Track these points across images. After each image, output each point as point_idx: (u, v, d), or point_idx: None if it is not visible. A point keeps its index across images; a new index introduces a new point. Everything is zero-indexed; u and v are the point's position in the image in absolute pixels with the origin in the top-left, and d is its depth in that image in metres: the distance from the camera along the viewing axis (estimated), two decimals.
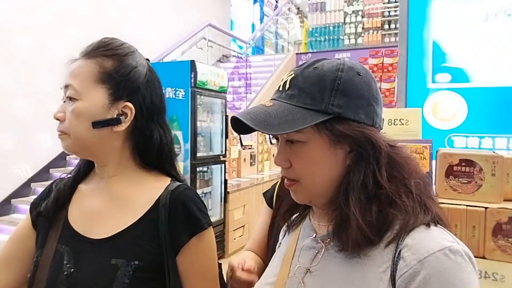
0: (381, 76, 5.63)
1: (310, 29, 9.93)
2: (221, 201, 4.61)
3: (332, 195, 0.68)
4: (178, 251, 0.84)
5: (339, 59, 0.70)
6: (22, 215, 4.69)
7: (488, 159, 1.24)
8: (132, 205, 0.85)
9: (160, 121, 0.91)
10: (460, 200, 1.24)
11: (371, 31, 9.23)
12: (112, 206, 0.86)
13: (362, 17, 9.38)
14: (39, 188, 4.98)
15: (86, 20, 5.94)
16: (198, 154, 4.17)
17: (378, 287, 0.59)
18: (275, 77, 8.31)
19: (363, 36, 9.34)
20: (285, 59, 9.07)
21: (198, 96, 4.15)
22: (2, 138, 4.80)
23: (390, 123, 1.54)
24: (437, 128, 2.07)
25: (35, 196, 0.99)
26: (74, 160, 5.43)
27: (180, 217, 0.84)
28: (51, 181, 0.98)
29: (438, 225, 0.63)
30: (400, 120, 1.56)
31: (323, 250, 0.69)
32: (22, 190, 4.98)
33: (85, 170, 0.94)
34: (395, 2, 8.72)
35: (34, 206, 0.94)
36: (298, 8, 12.20)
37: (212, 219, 4.66)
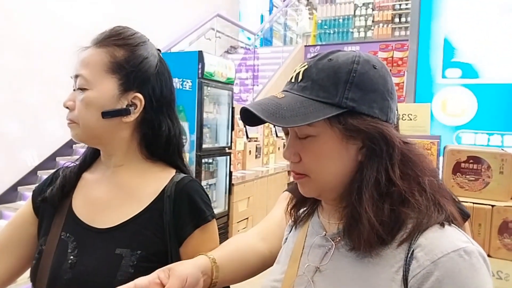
0: (390, 70, 5.58)
1: (320, 21, 9.83)
2: (225, 193, 4.62)
3: (342, 191, 0.66)
4: (182, 242, 0.84)
5: (354, 51, 0.67)
6: None
7: (497, 157, 1.23)
8: (137, 195, 0.86)
9: (169, 113, 0.91)
10: (466, 198, 1.23)
11: (381, 24, 9.12)
12: (117, 195, 0.86)
13: (373, 10, 9.26)
14: (45, 176, 5.01)
15: (96, 9, 5.94)
16: (204, 146, 4.17)
17: (390, 287, 0.58)
18: (282, 69, 8.26)
19: (373, 30, 9.23)
20: (293, 51, 9.00)
21: (205, 87, 4.14)
22: (10, 125, 4.84)
23: (398, 118, 1.53)
24: (445, 124, 2.04)
25: None
26: (80, 149, 5.47)
27: (184, 209, 0.84)
28: (56, 169, 0.98)
29: (452, 224, 0.61)
30: (408, 115, 1.54)
31: (333, 248, 0.67)
32: (29, 178, 5.03)
33: (91, 159, 0.94)
34: None
35: (38, 192, 0.94)
36: (307, 0, 12.08)
37: (216, 211, 4.68)
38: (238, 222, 4.76)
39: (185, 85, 4.11)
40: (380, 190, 0.62)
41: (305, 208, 0.79)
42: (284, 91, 0.68)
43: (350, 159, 0.64)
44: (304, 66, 0.67)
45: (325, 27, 9.75)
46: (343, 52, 0.67)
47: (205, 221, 0.86)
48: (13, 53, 4.84)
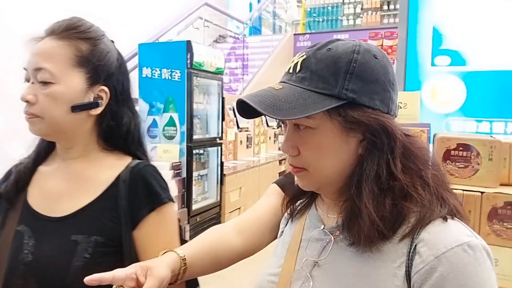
0: None
1: (308, 9, 9.77)
2: (217, 184, 4.61)
3: (341, 184, 0.65)
4: (136, 225, 0.85)
5: (355, 40, 0.65)
6: None
7: (486, 144, 1.24)
8: (93, 183, 0.87)
9: (129, 104, 0.93)
10: (456, 185, 1.24)
11: (370, 12, 9.10)
12: (73, 185, 0.87)
13: None
14: None
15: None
16: (195, 137, 4.15)
17: (392, 283, 0.57)
18: (272, 58, 8.21)
19: (361, 17, 9.21)
20: (282, 40, 8.95)
21: (194, 77, 4.10)
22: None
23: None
24: (435, 111, 2.05)
25: None
26: None
27: (140, 192, 0.85)
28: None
29: (455, 218, 0.60)
30: (398, 103, 1.54)
31: (332, 242, 0.66)
32: None
33: (46, 152, 0.95)
34: None
35: None
36: None
37: (208, 201, 4.68)
38: (230, 212, 4.77)
39: (174, 75, 4.06)
40: (380, 184, 0.60)
41: (302, 200, 0.78)
42: (281, 82, 0.66)
43: (350, 152, 0.63)
44: (303, 56, 0.64)
45: (314, 15, 9.69)
46: (342, 41, 0.64)
47: (161, 203, 0.87)
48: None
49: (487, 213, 1.18)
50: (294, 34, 9.30)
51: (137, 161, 0.90)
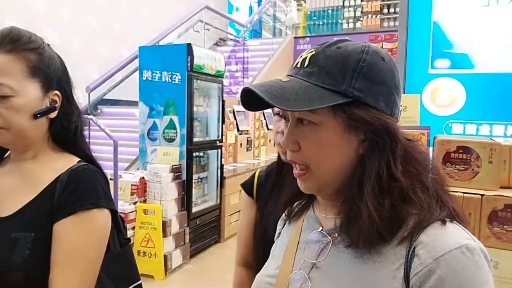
0: None
1: (309, 13, 9.79)
2: (217, 186, 4.61)
3: (341, 185, 0.65)
4: (57, 221, 0.86)
5: (365, 42, 0.66)
6: None
7: (486, 146, 1.24)
8: (37, 183, 0.91)
9: (75, 104, 0.99)
10: (456, 187, 1.24)
11: (370, 15, 9.12)
12: (21, 185, 0.91)
13: (361, 0, 9.25)
14: None
15: (81, 2, 5.83)
16: (195, 139, 4.14)
17: (391, 285, 0.57)
18: (272, 61, 8.21)
19: (361, 20, 9.23)
20: (282, 43, 8.96)
21: (194, 80, 4.10)
22: None
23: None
24: (435, 114, 2.05)
25: None
26: None
27: (69, 193, 0.88)
28: None
29: (454, 221, 0.60)
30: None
31: (331, 244, 0.66)
32: None
33: (0, 155, 1.00)
34: None
35: None
36: None
37: (208, 204, 4.67)
38: (230, 215, 4.76)
39: (174, 78, 4.06)
40: (381, 185, 0.60)
41: (299, 202, 0.77)
42: (288, 75, 0.66)
43: (351, 151, 0.63)
44: (312, 52, 0.64)
45: (314, 18, 9.72)
46: (352, 42, 0.65)
47: (84, 208, 0.86)
48: None
49: (487, 215, 1.18)
50: (294, 37, 9.32)
51: (81, 164, 0.93)
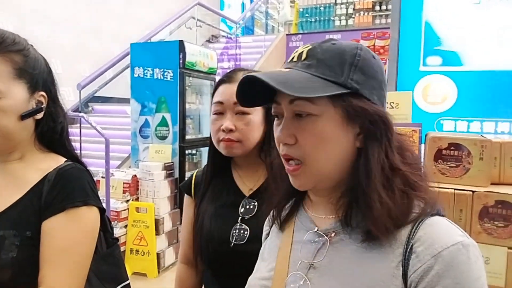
0: None
1: (301, 10, 9.79)
2: None
3: (338, 179, 0.65)
4: (46, 219, 0.87)
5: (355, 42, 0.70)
6: None
7: (477, 143, 1.25)
8: (23, 182, 0.91)
9: (60, 105, 0.99)
10: (448, 184, 1.25)
11: (362, 12, 9.15)
12: (7, 185, 0.91)
13: None
14: None
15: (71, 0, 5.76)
16: (187, 137, 4.13)
17: (392, 283, 0.58)
18: (265, 58, 8.20)
19: (353, 18, 9.25)
20: (275, 40, 8.95)
21: (186, 77, 4.08)
22: None
23: None
24: (426, 111, 2.07)
25: None
26: None
27: (57, 191, 0.88)
28: None
29: (444, 216, 0.62)
30: (390, 103, 1.55)
31: (328, 244, 0.66)
32: None
33: None
34: None
35: None
36: None
37: None
38: None
39: (166, 75, 4.04)
40: (385, 173, 0.62)
41: (288, 205, 0.76)
42: (286, 68, 0.66)
43: (348, 144, 0.63)
44: (308, 46, 0.66)
45: (307, 15, 9.71)
46: (343, 41, 0.68)
47: (73, 205, 0.87)
48: None
49: (478, 212, 1.19)
50: (287, 34, 9.31)
51: (69, 163, 0.94)
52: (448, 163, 1.28)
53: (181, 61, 3.99)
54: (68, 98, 4.97)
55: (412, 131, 1.41)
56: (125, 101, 5.34)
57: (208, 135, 1.20)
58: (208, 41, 9.23)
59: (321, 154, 0.63)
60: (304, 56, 0.65)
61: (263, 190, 0.91)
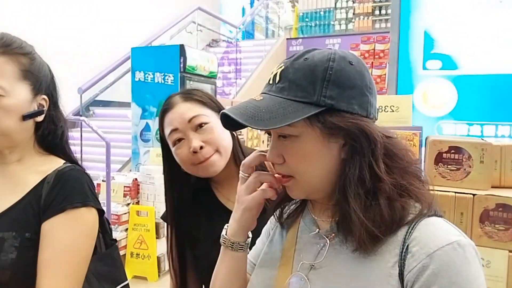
0: (372, 62, 5.60)
1: (301, 14, 9.82)
2: None
3: (329, 190, 0.66)
4: (45, 220, 0.87)
5: (330, 49, 0.68)
6: None
7: (477, 147, 1.25)
8: (21, 184, 0.92)
9: (60, 111, 1.00)
10: (448, 187, 1.25)
11: (361, 17, 9.18)
12: (5, 187, 0.92)
13: (353, 2, 9.30)
14: None
15: (73, 3, 5.79)
16: None
17: (388, 283, 0.59)
18: (265, 62, 8.22)
19: (353, 22, 9.28)
20: (275, 44, 8.98)
21: (187, 81, 4.10)
22: None
23: (380, 110, 1.54)
24: (426, 115, 2.07)
25: None
26: None
27: (57, 192, 0.89)
28: None
29: (441, 216, 0.63)
30: (390, 107, 1.56)
31: (328, 245, 0.67)
32: None
33: None
34: None
35: None
36: None
37: None
38: None
39: (167, 79, 4.05)
40: (365, 186, 0.61)
41: (294, 206, 0.78)
42: (262, 93, 0.68)
43: (333, 157, 0.64)
44: (281, 67, 0.66)
45: (307, 19, 9.74)
46: (318, 51, 0.67)
47: (72, 206, 0.88)
48: None
49: (479, 215, 1.19)
50: (287, 39, 9.34)
51: (68, 165, 0.95)
52: (449, 166, 1.28)
53: (181, 65, 4.01)
54: (69, 102, 4.99)
55: (413, 135, 1.41)
56: (126, 105, 5.35)
57: None
58: (209, 45, 9.26)
59: (307, 170, 0.65)
60: (277, 78, 0.66)
61: None
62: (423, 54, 2.08)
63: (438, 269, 0.55)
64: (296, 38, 9.35)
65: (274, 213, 0.79)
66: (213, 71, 4.53)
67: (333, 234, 0.67)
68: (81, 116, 4.60)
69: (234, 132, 1.10)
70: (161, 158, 1.23)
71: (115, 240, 1.05)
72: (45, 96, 0.95)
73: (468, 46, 2.01)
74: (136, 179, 3.77)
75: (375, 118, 0.68)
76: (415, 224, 0.60)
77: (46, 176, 0.92)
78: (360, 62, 0.67)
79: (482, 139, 1.31)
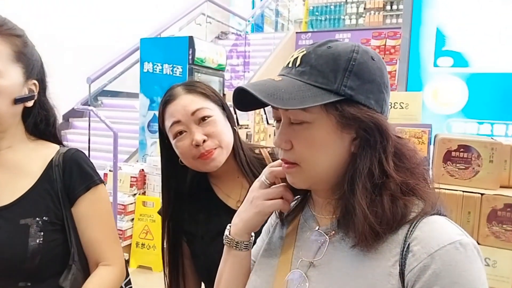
0: (383, 58, 5.56)
1: (311, 8, 9.75)
2: None
3: (333, 183, 0.65)
4: (74, 203, 0.94)
5: (352, 42, 0.67)
6: None
7: (487, 146, 1.24)
8: (27, 170, 0.92)
9: (48, 96, 1.00)
10: (456, 186, 1.24)
11: (372, 12, 9.08)
12: (6, 175, 0.91)
13: None
14: None
15: None
16: None
17: (388, 282, 0.58)
18: (274, 56, 8.19)
19: (364, 17, 9.19)
20: (284, 38, 8.92)
21: (195, 73, 4.10)
22: None
23: (390, 107, 1.53)
24: (436, 112, 2.05)
25: None
26: None
27: (74, 174, 0.94)
28: None
29: (444, 215, 0.62)
30: (400, 103, 1.55)
31: (327, 243, 0.66)
32: None
33: None
34: None
35: None
36: None
37: None
38: None
39: (176, 71, 4.06)
40: (374, 181, 0.61)
41: (293, 203, 0.77)
42: (281, 75, 0.66)
43: (343, 149, 0.63)
44: (303, 51, 0.65)
45: (317, 13, 9.67)
46: (341, 42, 0.66)
47: (95, 183, 0.96)
48: None
49: (487, 214, 1.18)
50: (296, 33, 9.28)
51: (67, 148, 0.98)
52: (457, 165, 1.27)
53: (190, 57, 4.01)
54: (78, 91, 5.01)
55: (422, 132, 1.40)
56: (134, 95, 5.37)
57: None
58: (218, 37, 9.24)
59: (315, 159, 0.64)
60: (298, 62, 0.64)
61: None
62: (434, 51, 2.05)
63: (440, 269, 0.55)
64: (306, 32, 9.28)
65: (275, 211, 0.79)
66: (221, 64, 4.52)
67: (333, 232, 0.66)
68: (89, 106, 4.63)
69: (235, 128, 1.09)
70: None
71: None
72: (35, 81, 0.93)
73: (480, 44, 1.98)
74: (142, 169, 3.80)
75: (387, 116, 0.67)
76: (416, 223, 0.60)
77: (52, 160, 0.94)
78: (381, 60, 0.67)
79: (492, 138, 1.29)
